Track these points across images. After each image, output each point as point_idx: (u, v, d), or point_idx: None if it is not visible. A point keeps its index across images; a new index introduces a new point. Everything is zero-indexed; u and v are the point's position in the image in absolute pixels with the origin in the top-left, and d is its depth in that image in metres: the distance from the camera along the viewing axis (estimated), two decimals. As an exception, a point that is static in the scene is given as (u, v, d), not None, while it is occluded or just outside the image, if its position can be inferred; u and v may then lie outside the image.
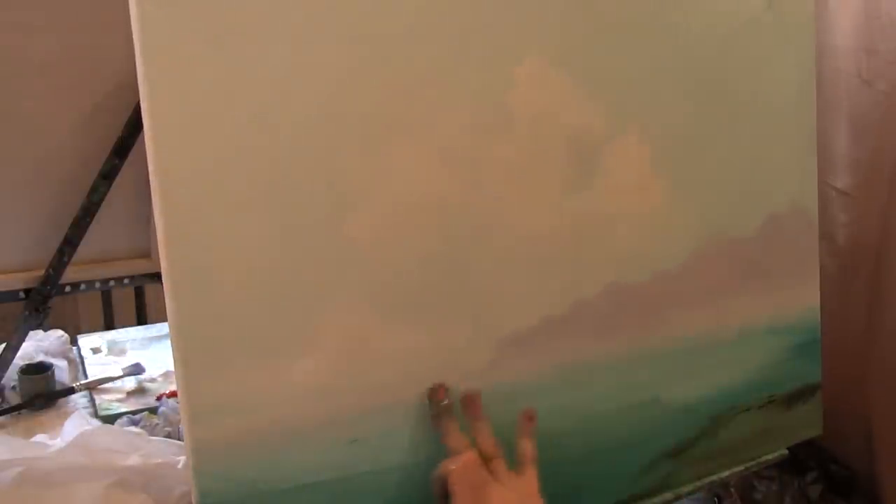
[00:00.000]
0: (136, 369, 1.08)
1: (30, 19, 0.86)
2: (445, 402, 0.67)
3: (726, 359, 0.87)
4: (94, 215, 0.98)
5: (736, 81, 0.85)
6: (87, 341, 1.18)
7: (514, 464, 0.67)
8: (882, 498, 1.12)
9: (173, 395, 1.00)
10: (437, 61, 0.66)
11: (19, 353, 1.03)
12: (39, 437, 0.88)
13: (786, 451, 0.95)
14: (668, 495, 0.85)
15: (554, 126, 0.72)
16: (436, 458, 0.65)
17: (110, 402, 1.02)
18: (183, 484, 0.75)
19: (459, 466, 0.64)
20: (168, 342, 0.59)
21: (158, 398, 1.02)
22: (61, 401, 1.02)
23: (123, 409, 0.99)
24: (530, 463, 0.67)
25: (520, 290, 0.72)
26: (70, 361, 1.12)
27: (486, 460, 0.66)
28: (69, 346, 1.16)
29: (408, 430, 0.67)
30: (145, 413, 0.98)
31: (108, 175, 0.97)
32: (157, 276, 1.14)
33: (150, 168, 0.56)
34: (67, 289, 1.07)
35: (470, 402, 0.68)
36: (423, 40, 0.65)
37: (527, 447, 0.68)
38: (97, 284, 1.11)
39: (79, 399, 1.03)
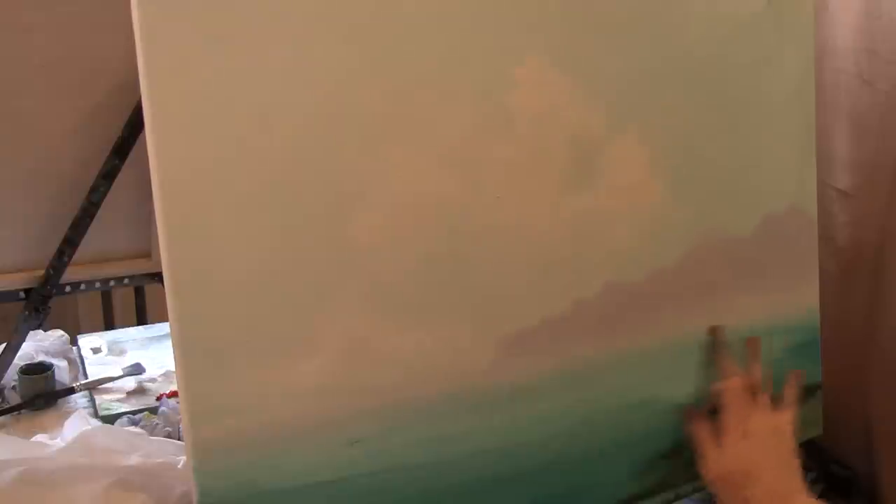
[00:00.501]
0: (136, 369, 1.08)
1: (30, 19, 0.86)
2: (723, 338, 0.82)
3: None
4: (94, 215, 0.99)
5: (735, 81, 0.85)
6: (87, 341, 1.18)
7: (778, 400, 0.79)
8: (882, 498, 1.12)
9: (173, 395, 1.00)
10: (438, 61, 0.66)
11: (19, 353, 1.03)
12: (39, 437, 0.89)
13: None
14: (668, 495, 0.85)
15: (554, 126, 0.72)
16: (435, 459, 0.65)
17: (110, 402, 1.02)
18: (183, 484, 0.75)
19: (732, 384, 0.77)
20: (168, 342, 0.59)
21: (158, 398, 1.02)
22: (61, 401, 1.02)
23: (123, 409, 1.00)
24: (790, 404, 0.79)
25: (520, 289, 0.72)
26: (70, 361, 1.12)
27: (753, 392, 0.78)
28: (69, 346, 1.16)
29: (408, 430, 0.67)
30: (145, 413, 0.98)
31: (108, 175, 0.97)
32: (157, 276, 1.14)
33: (151, 168, 0.56)
34: (67, 289, 1.07)
35: (751, 344, 0.83)
36: (424, 40, 0.65)
37: (789, 391, 0.80)
38: (97, 284, 1.11)
39: (79, 399, 1.03)
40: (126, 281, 1.14)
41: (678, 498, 0.86)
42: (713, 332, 0.82)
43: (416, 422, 0.67)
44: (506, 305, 0.71)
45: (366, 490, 0.66)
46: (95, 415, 0.99)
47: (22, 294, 1.03)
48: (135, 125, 0.94)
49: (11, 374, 1.02)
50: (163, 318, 0.91)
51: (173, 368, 0.60)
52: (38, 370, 1.02)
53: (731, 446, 0.75)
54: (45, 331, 1.15)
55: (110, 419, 0.97)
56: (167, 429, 0.94)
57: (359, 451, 0.65)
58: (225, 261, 0.59)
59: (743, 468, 0.74)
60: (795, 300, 0.93)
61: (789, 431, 0.77)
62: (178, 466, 0.76)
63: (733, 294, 0.86)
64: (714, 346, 0.82)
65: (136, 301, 1.60)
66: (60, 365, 1.07)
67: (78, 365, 1.13)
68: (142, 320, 1.58)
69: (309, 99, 0.61)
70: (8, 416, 0.98)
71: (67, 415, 0.91)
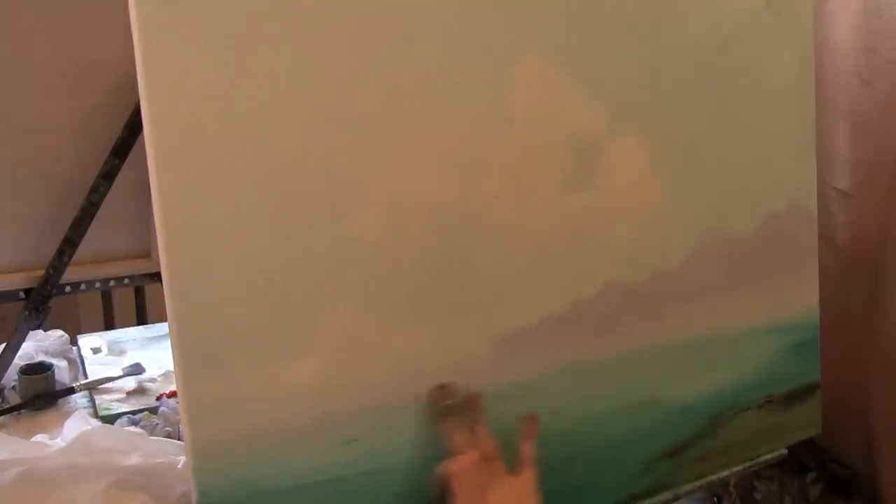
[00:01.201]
0: (136, 369, 1.08)
1: (30, 20, 0.86)
2: (447, 403, 0.68)
3: (725, 358, 0.87)
4: (94, 215, 0.98)
5: (735, 81, 0.85)
6: (87, 341, 1.18)
7: (514, 464, 0.68)
8: (882, 498, 1.12)
9: (173, 395, 1.00)
10: (438, 62, 0.66)
11: (19, 353, 1.03)
12: (39, 437, 0.88)
13: (785, 451, 0.95)
14: (667, 495, 0.85)
15: (554, 126, 0.72)
16: (433, 458, 0.65)
17: (110, 402, 1.02)
18: (183, 484, 0.75)
19: (460, 467, 0.65)
20: (168, 342, 0.59)
21: (158, 398, 1.02)
22: (61, 401, 1.02)
23: (123, 409, 0.99)
24: (529, 464, 0.68)
25: (519, 289, 0.72)
26: (70, 361, 1.12)
27: (485, 462, 0.66)
28: (69, 346, 1.16)
29: (406, 430, 0.67)
30: (145, 413, 0.98)
31: (108, 175, 0.97)
32: (157, 276, 1.14)
33: (150, 168, 0.56)
34: (67, 289, 1.07)
35: (471, 404, 0.69)
36: (424, 41, 0.65)
37: (527, 449, 0.69)
38: (97, 284, 1.11)
39: (79, 399, 1.03)
40: (126, 281, 1.14)
41: (677, 498, 0.86)
42: (434, 396, 0.68)
43: (413, 421, 0.67)
44: (505, 305, 0.71)
45: (363, 489, 0.66)
46: (95, 415, 0.99)
47: (22, 294, 1.03)
48: (134, 125, 0.94)
49: (11, 374, 1.02)
50: (163, 318, 0.90)
51: (173, 368, 0.59)
52: (38, 370, 1.02)
53: None
54: (45, 331, 1.15)
55: (110, 419, 0.97)
56: (167, 429, 0.94)
57: (357, 450, 0.65)
58: (224, 261, 0.59)
59: None
60: (795, 299, 0.93)
61: (532, 493, 0.67)
62: (178, 466, 0.76)
63: (733, 293, 0.86)
64: (436, 416, 0.68)
65: (136, 301, 1.60)
66: (60, 365, 1.07)
67: (78, 365, 1.13)
68: (142, 320, 1.57)
69: (308, 99, 0.61)
70: (8, 416, 0.98)
71: (67, 415, 0.91)
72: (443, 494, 0.65)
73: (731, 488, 1.17)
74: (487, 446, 0.67)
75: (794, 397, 0.93)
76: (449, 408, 0.68)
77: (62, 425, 0.87)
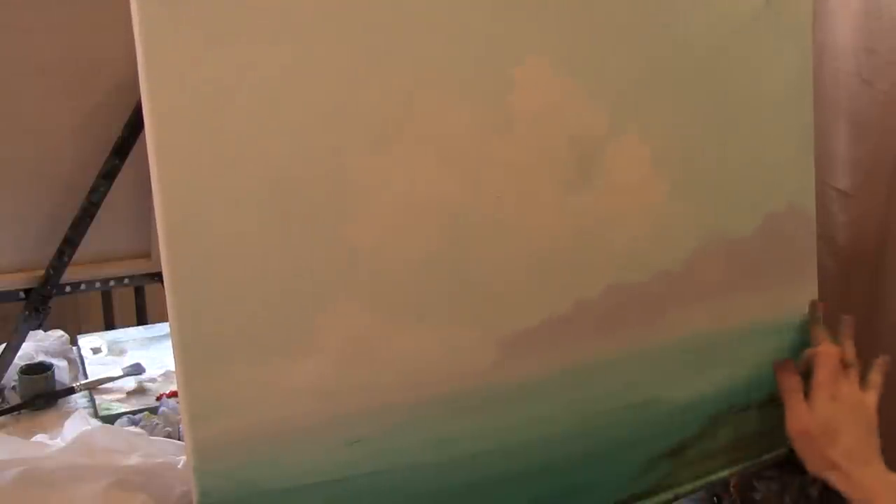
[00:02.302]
0: (136, 369, 1.08)
1: (29, 20, 0.86)
2: (818, 315, 0.88)
3: (725, 358, 0.87)
4: (94, 215, 0.99)
5: (734, 81, 0.85)
6: (87, 341, 1.18)
7: (865, 382, 0.82)
8: (882, 497, 1.12)
9: (173, 395, 1.00)
10: (438, 62, 0.66)
11: (19, 353, 1.03)
12: (39, 437, 0.88)
13: (785, 451, 0.94)
14: (667, 495, 0.85)
15: (555, 126, 0.72)
16: (435, 459, 0.65)
17: (110, 402, 1.02)
18: (183, 484, 0.75)
19: (827, 349, 0.81)
20: (168, 342, 0.59)
21: (158, 398, 1.02)
22: (61, 401, 1.02)
23: (123, 409, 1.00)
24: (875, 388, 0.82)
25: (521, 290, 0.72)
26: (70, 361, 1.12)
27: (845, 365, 0.82)
28: (69, 346, 1.16)
29: (408, 430, 0.67)
30: (145, 413, 0.98)
31: (108, 175, 0.97)
32: (157, 276, 1.14)
33: (151, 168, 0.56)
34: (67, 289, 1.07)
35: (847, 322, 0.86)
36: (424, 40, 0.65)
37: (875, 377, 0.83)
38: (97, 284, 1.11)
39: (79, 399, 1.03)
40: (126, 281, 1.14)
41: (677, 498, 0.86)
42: (811, 306, 0.89)
43: (415, 422, 0.67)
44: (507, 306, 0.71)
45: (366, 490, 0.66)
46: (95, 415, 0.99)
47: (22, 294, 1.03)
48: (135, 125, 0.94)
49: (11, 374, 1.02)
50: (163, 318, 0.91)
51: (173, 368, 0.60)
52: (38, 370, 1.02)
53: (819, 404, 0.78)
54: (45, 331, 1.15)
55: (110, 419, 0.97)
56: (167, 429, 0.94)
57: (359, 452, 0.65)
58: (225, 260, 0.59)
59: (828, 428, 0.77)
60: (795, 299, 0.93)
61: (873, 411, 0.80)
62: (178, 466, 0.76)
63: (733, 293, 0.87)
64: (810, 319, 0.88)
65: (136, 301, 1.60)
66: (60, 365, 1.07)
67: (78, 365, 1.13)
68: (142, 320, 1.58)
69: (309, 98, 0.60)
70: (8, 416, 0.98)
71: (67, 415, 0.91)
72: (806, 372, 0.80)
73: (732, 488, 1.17)
74: (849, 354, 0.82)
75: (794, 397, 0.93)
76: (819, 318, 0.87)
77: (62, 425, 0.87)
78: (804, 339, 0.92)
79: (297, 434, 0.62)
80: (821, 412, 0.78)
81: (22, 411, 0.99)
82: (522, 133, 0.70)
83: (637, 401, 0.80)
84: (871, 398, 0.81)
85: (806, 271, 0.94)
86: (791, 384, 0.81)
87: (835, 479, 0.76)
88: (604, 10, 0.74)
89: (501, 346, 0.71)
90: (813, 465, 0.78)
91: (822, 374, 0.80)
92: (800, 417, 0.79)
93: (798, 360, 0.83)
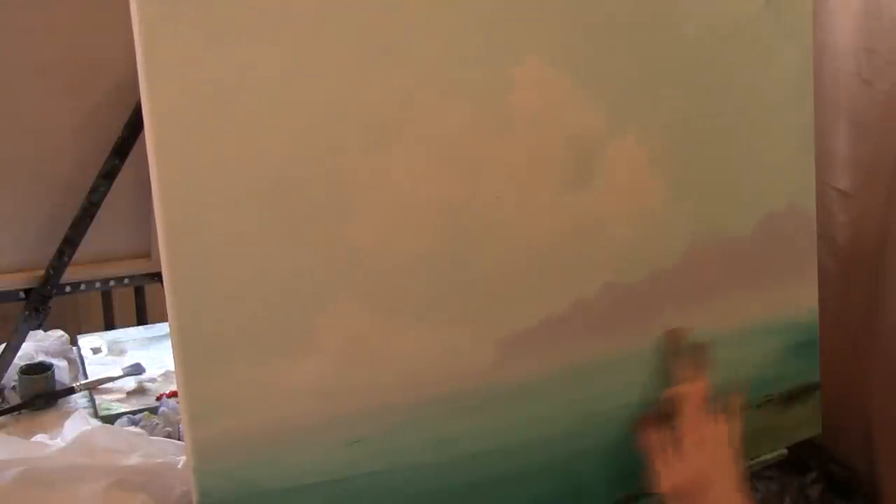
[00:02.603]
0: (136, 369, 1.08)
1: (29, 20, 0.86)
2: (679, 346, 0.81)
3: (724, 358, 0.86)
4: (94, 215, 0.99)
5: (734, 81, 0.85)
6: (87, 341, 1.18)
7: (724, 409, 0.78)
8: (882, 498, 1.12)
9: (173, 395, 1.00)
10: (438, 61, 0.66)
11: (19, 353, 1.03)
12: (39, 437, 0.88)
13: (785, 451, 0.94)
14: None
15: (554, 126, 0.72)
16: (435, 459, 0.65)
17: (110, 402, 1.02)
18: (183, 484, 0.75)
19: (687, 390, 0.77)
20: (168, 342, 0.59)
21: (158, 398, 1.02)
22: (61, 401, 1.02)
23: (123, 409, 1.00)
24: (734, 414, 0.78)
25: (520, 290, 0.72)
26: (70, 361, 1.12)
27: (705, 399, 0.77)
28: (69, 346, 1.16)
29: (408, 430, 0.67)
30: (145, 413, 0.98)
31: (108, 175, 0.97)
32: (157, 276, 1.14)
33: (150, 168, 0.56)
34: (67, 289, 1.07)
35: (700, 351, 0.81)
36: (424, 40, 0.65)
37: (733, 402, 0.79)
38: (97, 284, 1.11)
39: (79, 399, 1.03)
40: (126, 281, 1.14)
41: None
42: (671, 336, 0.81)
43: (415, 422, 0.67)
44: (506, 306, 0.71)
45: (365, 490, 0.66)
46: (95, 415, 0.99)
47: (22, 294, 1.03)
48: (135, 125, 0.94)
49: (11, 374, 1.02)
50: (163, 318, 0.90)
51: (173, 368, 0.59)
52: (38, 370, 1.02)
53: (688, 454, 0.74)
54: (45, 331, 1.15)
55: (110, 419, 0.97)
56: (167, 429, 0.94)
57: (359, 452, 0.65)
58: (224, 260, 0.59)
59: (699, 477, 0.74)
60: (795, 299, 0.93)
61: (737, 439, 0.77)
62: (178, 466, 0.76)
63: (732, 293, 0.87)
64: (668, 352, 0.81)
65: (136, 301, 1.60)
66: (60, 365, 1.07)
67: (78, 365, 1.13)
68: (142, 320, 1.57)
69: (309, 99, 0.61)
70: (8, 416, 0.97)
71: (67, 415, 0.91)
72: (669, 413, 0.76)
73: (731, 488, 1.17)
74: (707, 387, 0.78)
75: (793, 397, 0.93)
76: (680, 350, 0.81)
77: (62, 425, 0.87)
78: (804, 340, 0.92)
79: (297, 434, 0.62)
80: (691, 463, 0.74)
81: (22, 411, 0.99)
82: (522, 133, 0.70)
83: (636, 401, 0.80)
84: (735, 427, 0.78)
85: (806, 271, 0.94)
86: (654, 441, 0.76)
87: None
88: (603, 11, 0.74)
89: (501, 346, 0.71)
90: None
91: (687, 421, 0.76)
92: (670, 475, 0.74)
93: (665, 402, 0.78)
